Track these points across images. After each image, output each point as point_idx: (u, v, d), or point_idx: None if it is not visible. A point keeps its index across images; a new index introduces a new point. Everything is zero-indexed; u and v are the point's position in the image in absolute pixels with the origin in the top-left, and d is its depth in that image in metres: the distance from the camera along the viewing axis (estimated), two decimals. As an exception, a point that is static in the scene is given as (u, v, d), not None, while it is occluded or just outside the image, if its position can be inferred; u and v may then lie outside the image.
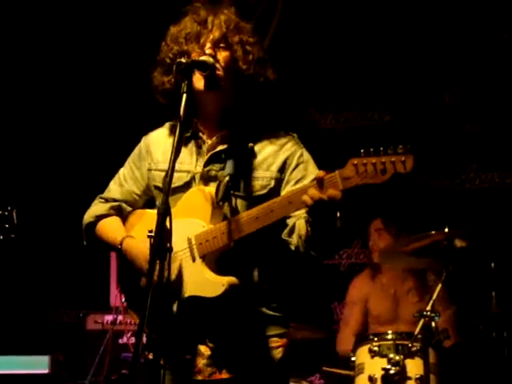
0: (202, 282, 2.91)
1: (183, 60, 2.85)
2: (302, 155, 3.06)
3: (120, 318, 5.58)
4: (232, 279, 2.89)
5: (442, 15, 6.34)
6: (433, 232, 4.43)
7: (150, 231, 2.61)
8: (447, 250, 4.45)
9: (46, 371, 5.21)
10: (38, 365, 5.22)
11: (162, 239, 2.59)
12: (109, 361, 5.46)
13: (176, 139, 2.70)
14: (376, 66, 6.48)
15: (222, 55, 2.99)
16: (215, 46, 2.99)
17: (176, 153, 2.70)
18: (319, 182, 2.70)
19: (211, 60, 2.93)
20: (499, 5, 6.18)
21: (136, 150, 3.24)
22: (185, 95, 2.77)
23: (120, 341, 5.67)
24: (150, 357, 2.92)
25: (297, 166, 3.04)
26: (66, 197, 6.56)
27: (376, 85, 6.50)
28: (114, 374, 5.41)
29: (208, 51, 2.97)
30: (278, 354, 3.02)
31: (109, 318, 5.77)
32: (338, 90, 6.61)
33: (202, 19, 3.03)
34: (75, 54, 6.96)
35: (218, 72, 2.96)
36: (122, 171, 3.26)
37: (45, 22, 6.95)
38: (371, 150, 2.64)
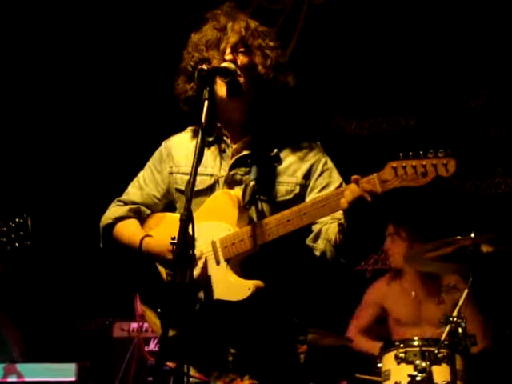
0: (228, 285, 2.91)
1: (204, 67, 2.87)
2: (326, 163, 3.08)
3: (146, 325, 5.58)
4: (258, 282, 2.88)
5: (467, 20, 6.30)
6: (458, 237, 4.41)
7: (173, 238, 2.61)
8: (473, 255, 4.42)
9: (72, 379, 5.20)
10: (65, 372, 5.21)
11: (184, 246, 2.59)
12: (135, 368, 5.47)
13: (198, 146, 2.71)
14: (401, 71, 6.44)
15: (242, 60, 2.99)
16: (234, 51, 3.00)
17: (198, 159, 2.71)
18: (356, 183, 2.70)
19: (232, 66, 2.94)
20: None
21: (156, 154, 3.25)
22: (206, 102, 2.79)
23: (146, 348, 5.68)
24: (171, 365, 2.93)
25: (322, 173, 3.05)
26: (94, 205, 6.58)
27: (401, 89, 6.46)
28: (140, 381, 5.42)
29: (228, 57, 2.98)
30: (299, 360, 3.01)
31: (135, 325, 5.77)
32: (363, 95, 6.58)
33: (221, 26, 3.04)
34: (96, 61, 7.00)
35: (239, 78, 2.96)
36: (141, 174, 3.27)
37: (60, 27, 7.01)
38: (410, 153, 2.63)
